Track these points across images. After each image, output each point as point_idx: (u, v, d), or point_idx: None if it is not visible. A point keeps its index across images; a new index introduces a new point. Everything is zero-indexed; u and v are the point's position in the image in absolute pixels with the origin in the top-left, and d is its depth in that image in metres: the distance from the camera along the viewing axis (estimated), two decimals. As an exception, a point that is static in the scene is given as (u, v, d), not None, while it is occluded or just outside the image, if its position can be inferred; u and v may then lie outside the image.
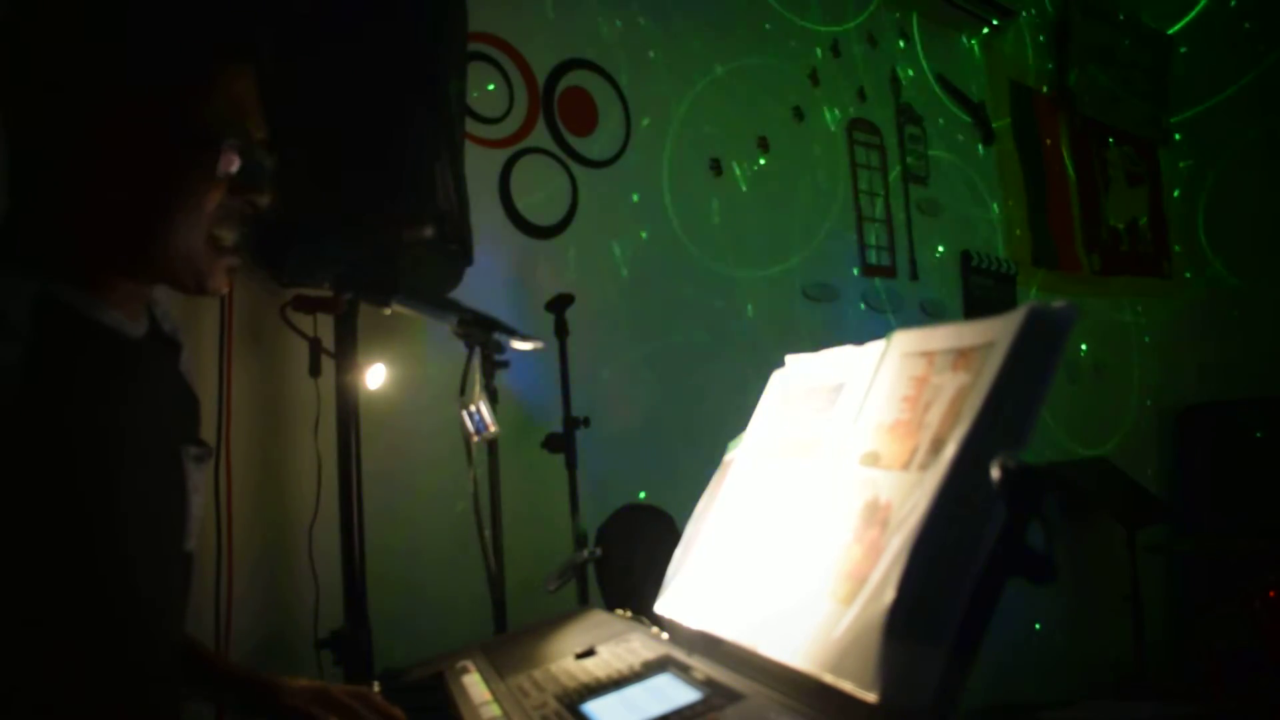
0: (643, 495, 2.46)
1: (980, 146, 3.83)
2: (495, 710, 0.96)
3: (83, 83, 0.84)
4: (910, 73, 3.56)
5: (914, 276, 3.43)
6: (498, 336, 1.58)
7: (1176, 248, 4.66)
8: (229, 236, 0.94)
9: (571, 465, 2.04)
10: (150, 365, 0.97)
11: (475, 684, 1.08)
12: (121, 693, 0.89)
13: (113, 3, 0.87)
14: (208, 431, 1.71)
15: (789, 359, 1.11)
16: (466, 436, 1.54)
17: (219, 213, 0.91)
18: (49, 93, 0.84)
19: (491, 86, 2.34)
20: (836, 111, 3.26)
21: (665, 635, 1.04)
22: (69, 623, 0.83)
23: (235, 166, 0.90)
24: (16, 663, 0.79)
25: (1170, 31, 4.63)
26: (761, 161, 2.98)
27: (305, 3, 1.54)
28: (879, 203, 3.36)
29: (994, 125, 3.86)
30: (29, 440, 0.78)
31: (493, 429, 1.52)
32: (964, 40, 3.87)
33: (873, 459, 0.79)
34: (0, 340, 0.77)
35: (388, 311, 1.49)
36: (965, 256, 3.63)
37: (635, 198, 2.62)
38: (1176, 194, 4.70)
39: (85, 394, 0.85)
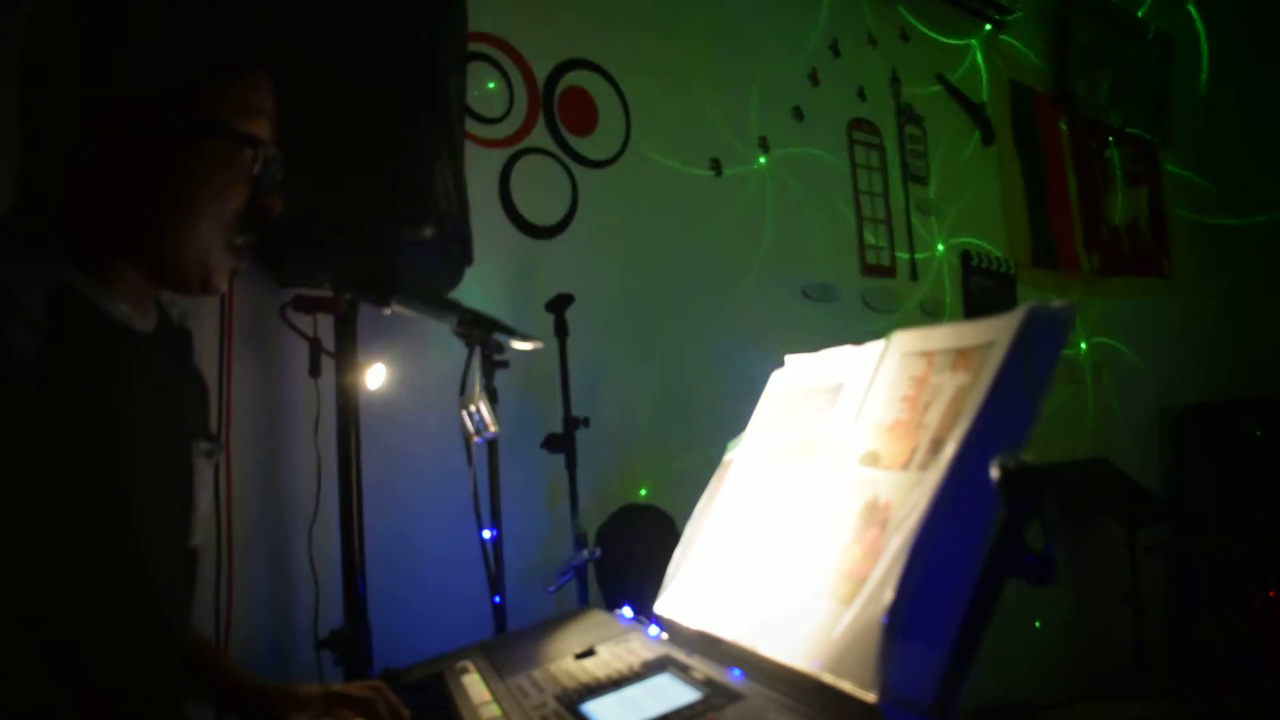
0: (643, 493, 2.46)
1: (980, 146, 3.83)
2: (495, 710, 0.96)
3: (88, 75, 0.85)
4: (910, 73, 3.56)
5: (914, 276, 3.43)
6: (498, 336, 1.58)
7: (1176, 248, 4.65)
8: (241, 239, 0.94)
9: (571, 465, 2.04)
10: (160, 359, 0.97)
11: (475, 684, 1.08)
12: (127, 688, 0.89)
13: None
14: (208, 431, 1.71)
15: (789, 359, 1.11)
16: (466, 436, 1.54)
17: (237, 214, 0.92)
18: (58, 85, 0.85)
19: (492, 86, 2.34)
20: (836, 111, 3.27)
21: (664, 635, 1.04)
22: (78, 617, 0.83)
23: (259, 168, 0.91)
24: (23, 657, 0.79)
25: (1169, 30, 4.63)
26: (761, 161, 2.98)
27: (306, 3, 1.54)
28: (879, 203, 3.36)
29: (994, 125, 3.86)
30: (45, 432, 0.79)
31: (493, 429, 1.52)
32: (964, 40, 3.87)
33: (872, 459, 0.79)
34: (21, 330, 0.77)
35: (388, 311, 1.49)
36: (965, 256, 3.63)
37: (635, 198, 2.62)
38: (1175, 197, 4.70)
39: (97, 388, 0.85)
